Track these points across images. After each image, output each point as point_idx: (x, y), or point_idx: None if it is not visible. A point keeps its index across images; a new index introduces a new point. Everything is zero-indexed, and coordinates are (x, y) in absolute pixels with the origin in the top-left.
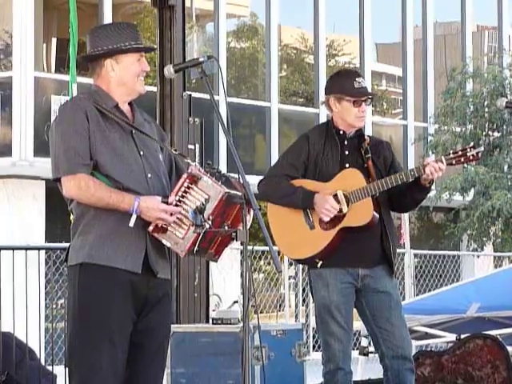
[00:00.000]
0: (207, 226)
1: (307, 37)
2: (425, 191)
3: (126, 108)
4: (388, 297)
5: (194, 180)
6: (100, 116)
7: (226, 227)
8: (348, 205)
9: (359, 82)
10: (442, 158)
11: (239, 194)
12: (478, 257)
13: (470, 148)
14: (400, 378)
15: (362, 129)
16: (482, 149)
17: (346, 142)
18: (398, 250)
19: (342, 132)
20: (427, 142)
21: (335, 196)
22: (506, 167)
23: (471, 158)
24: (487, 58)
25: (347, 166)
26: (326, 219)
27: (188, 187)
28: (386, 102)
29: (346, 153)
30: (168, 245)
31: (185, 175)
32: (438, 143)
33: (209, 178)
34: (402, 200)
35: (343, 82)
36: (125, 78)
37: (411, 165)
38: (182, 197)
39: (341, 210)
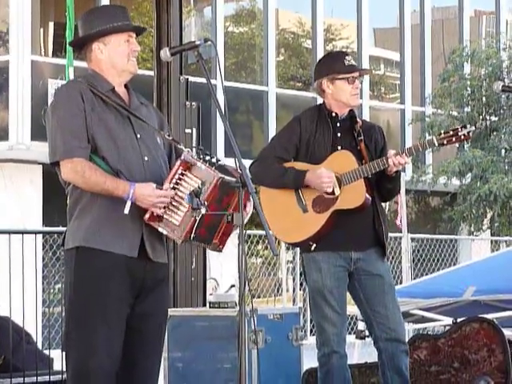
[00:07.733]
0: (203, 210)
1: (305, 21)
2: (393, 180)
3: (122, 91)
4: (381, 280)
5: (188, 166)
6: (95, 98)
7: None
8: (340, 187)
9: (349, 61)
10: (433, 138)
11: (234, 179)
12: (475, 240)
13: (461, 128)
14: (395, 360)
15: (354, 111)
16: (474, 128)
17: (338, 125)
18: (395, 234)
19: (334, 114)
20: (424, 122)
21: None
22: (502, 151)
23: (462, 137)
24: (485, 43)
25: (339, 148)
26: (330, 190)
27: (182, 174)
28: (383, 87)
29: (339, 135)
30: (164, 232)
31: (178, 162)
32: (434, 124)
33: (202, 164)
34: (379, 190)
35: (333, 63)
36: (114, 59)
37: None
38: (177, 184)
39: (333, 193)
